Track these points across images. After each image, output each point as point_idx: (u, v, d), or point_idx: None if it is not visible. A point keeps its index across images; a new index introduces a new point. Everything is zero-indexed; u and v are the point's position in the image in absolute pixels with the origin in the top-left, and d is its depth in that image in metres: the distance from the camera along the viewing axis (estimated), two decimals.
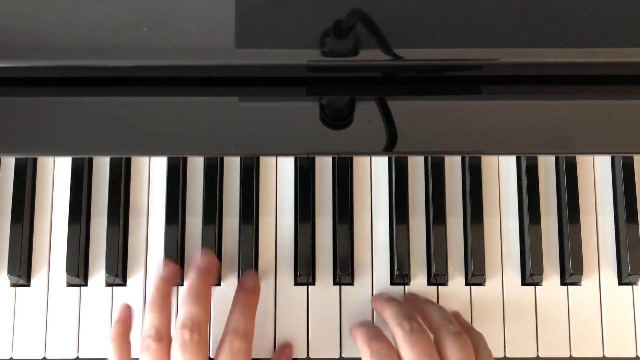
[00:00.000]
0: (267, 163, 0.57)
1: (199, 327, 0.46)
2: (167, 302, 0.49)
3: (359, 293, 0.55)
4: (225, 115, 0.48)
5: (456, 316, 0.53)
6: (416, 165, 0.57)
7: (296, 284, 0.55)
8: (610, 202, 0.56)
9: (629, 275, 0.54)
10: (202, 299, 0.48)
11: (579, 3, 0.46)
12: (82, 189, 0.55)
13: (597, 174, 0.57)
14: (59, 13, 0.45)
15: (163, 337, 0.47)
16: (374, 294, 0.55)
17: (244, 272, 0.54)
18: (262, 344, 0.54)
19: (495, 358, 0.54)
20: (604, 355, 0.54)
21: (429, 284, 0.55)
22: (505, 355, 0.54)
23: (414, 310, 0.52)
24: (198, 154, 0.54)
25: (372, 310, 0.54)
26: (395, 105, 0.48)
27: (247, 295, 0.51)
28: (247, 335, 0.48)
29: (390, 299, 0.51)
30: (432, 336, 0.47)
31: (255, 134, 0.48)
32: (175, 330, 0.47)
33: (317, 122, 0.48)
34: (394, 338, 0.47)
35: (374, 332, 0.48)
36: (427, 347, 0.44)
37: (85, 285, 0.55)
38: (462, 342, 0.45)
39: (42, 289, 0.55)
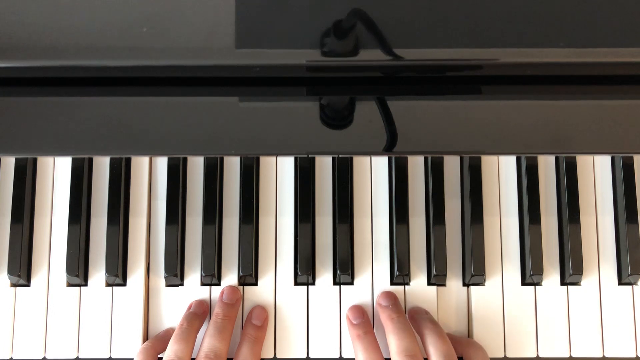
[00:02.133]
0: (267, 163, 0.57)
1: (219, 359, 0.50)
2: (193, 336, 0.52)
3: (359, 293, 0.55)
4: (225, 115, 0.48)
5: (452, 337, 0.53)
6: (416, 165, 0.57)
7: (296, 284, 0.55)
8: (610, 202, 0.56)
9: (629, 275, 0.54)
10: (226, 333, 0.51)
11: (579, 3, 0.46)
12: (82, 189, 0.55)
13: (597, 174, 0.57)
14: (59, 13, 0.45)
15: None
16: (374, 294, 0.55)
17: (254, 308, 0.54)
18: (263, 343, 0.54)
19: (495, 358, 0.54)
20: (603, 355, 0.54)
21: (429, 284, 0.55)
22: (505, 355, 0.54)
23: (414, 326, 0.52)
24: (198, 154, 0.54)
25: (372, 310, 0.54)
26: (395, 105, 0.48)
27: (256, 332, 0.53)
28: None
29: (397, 325, 0.51)
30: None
31: (255, 134, 0.48)
32: (198, 358, 0.50)
33: (317, 122, 0.48)
34: None
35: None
36: None
37: (85, 285, 0.55)
38: None
39: (42, 289, 0.55)
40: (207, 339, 0.51)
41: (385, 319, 0.52)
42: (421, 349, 0.50)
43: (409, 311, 0.54)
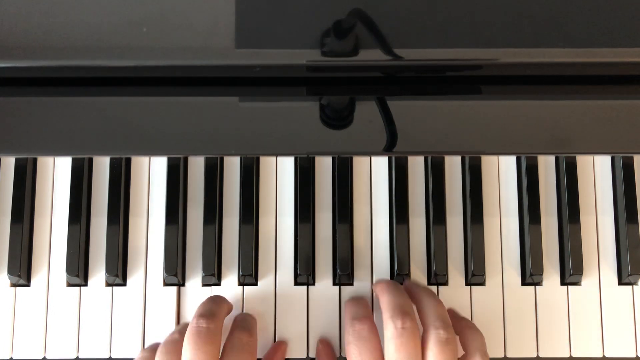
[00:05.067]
0: (267, 163, 0.57)
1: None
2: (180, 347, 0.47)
3: (359, 293, 0.55)
4: (225, 115, 0.48)
5: (452, 314, 0.53)
6: (416, 165, 0.57)
7: (296, 284, 0.55)
8: (610, 202, 0.56)
9: (629, 275, 0.54)
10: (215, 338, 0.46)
11: (579, 3, 0.46)
12: (82, 189, 0.55)
13: (597, 174, 0.57)
14: (58, 13, 0.45)
15: None
16: (374, 294, 0.55)
17: (239, 314, 0.53)
18: (262, 343, 0.54)
19: (495, 358, 0.54)
20: (603, 355, 0.54)
21: (429, 283, 0.55)
22: (505, 355, 0.54)
23: (411, 298, 0.50)
24: (198, 154, 0.54)
25: (372, 301, 0.55)
26: (395, 105, 0.48)
27: (247, 337, 0.49)
28: None
29: (391, 285, 0.50)
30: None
31: (255, 134, 0.48)
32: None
33: (317, 122, 0.48)
34: (384, 329, 0.46)
35: (361, 312, 0.49)
36: (412, 351, 0.44)
37: (85, 285, 0.55)
38: (448, 352, 0.45)
39: (42, 289, 0.55)
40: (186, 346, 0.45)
41: (380, 288, 0.50)
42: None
43: (404, 285, 0.53)
